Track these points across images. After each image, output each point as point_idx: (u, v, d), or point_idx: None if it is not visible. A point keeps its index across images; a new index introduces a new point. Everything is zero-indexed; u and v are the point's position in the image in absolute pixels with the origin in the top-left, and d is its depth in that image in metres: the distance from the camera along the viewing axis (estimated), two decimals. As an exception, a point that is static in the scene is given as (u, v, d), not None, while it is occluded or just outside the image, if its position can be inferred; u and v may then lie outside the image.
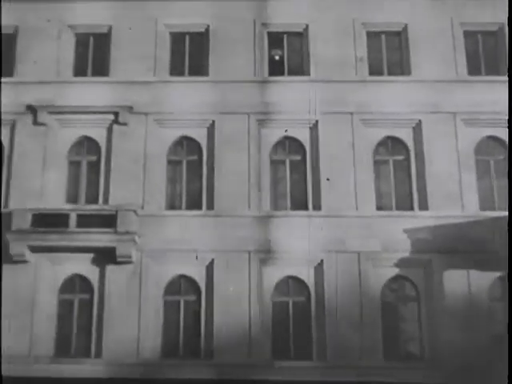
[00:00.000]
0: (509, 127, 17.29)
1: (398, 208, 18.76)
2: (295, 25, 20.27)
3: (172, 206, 19.06)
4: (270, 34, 20.32)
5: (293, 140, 19.30)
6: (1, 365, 16.32)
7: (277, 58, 20.25)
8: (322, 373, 16.89)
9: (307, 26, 20.12)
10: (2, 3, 20.19)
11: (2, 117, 19.56)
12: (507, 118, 17.09)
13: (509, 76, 17.49)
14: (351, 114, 19.09)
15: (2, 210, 18.70)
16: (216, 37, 20.01)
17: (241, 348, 17.41)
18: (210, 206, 18.64)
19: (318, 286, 17.97)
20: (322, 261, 18.01)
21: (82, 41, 20.58)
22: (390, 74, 20.02)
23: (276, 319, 18.00)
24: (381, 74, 20.01)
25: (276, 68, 20.08)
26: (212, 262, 18.06)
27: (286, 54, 20.28)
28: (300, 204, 18.84)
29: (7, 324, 17.75)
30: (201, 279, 18.12)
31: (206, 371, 17.08)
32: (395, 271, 18.06)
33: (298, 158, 19.23)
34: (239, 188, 18.62)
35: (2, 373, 15.98)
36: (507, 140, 18.14)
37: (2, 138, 19.61)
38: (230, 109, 19.15)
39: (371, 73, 19.92)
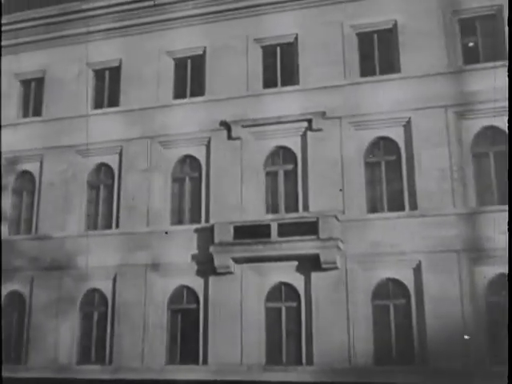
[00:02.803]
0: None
1: None
2: (487, 7, 19.08)
3: (373, 208, 18.71)
4: (461, 20, 19.33)
5: (495, 130, 18.18)
6: (1, 365, 16.86)
7: (471, 44, 19.25)
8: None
9: (501, 6, 18.81)
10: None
11: (198, 135, 20.24)
12: None
13: (508, 74, 15.04)
14: (557, 96, 17.73)
15: (204, 223, 19.19)
16: (404, 31, 19.38)
17: (456, 353, 16.70)
18: (413, 206, 18.10)
19: (537, 282, 16.86)
20: (539, 256, 16.86)
21: (268, 53, 20.87)
22: None
23: (492, 321, 17.09)
24: None
25: (471, 55, 19.10)
26: (419, 264, 17.53)
27: (480, 39, 19.22)
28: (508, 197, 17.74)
29: (216, 333, 18.48)
30: (409, 282, 17.65)
31: (420, 377, 16.60)
32: None
33: (503, 148, 18.03)
34: (442, 185, 17.91)
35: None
36: None
37: (200, 156, 20.22)
38: (426, 104, 18.45)
39: None
